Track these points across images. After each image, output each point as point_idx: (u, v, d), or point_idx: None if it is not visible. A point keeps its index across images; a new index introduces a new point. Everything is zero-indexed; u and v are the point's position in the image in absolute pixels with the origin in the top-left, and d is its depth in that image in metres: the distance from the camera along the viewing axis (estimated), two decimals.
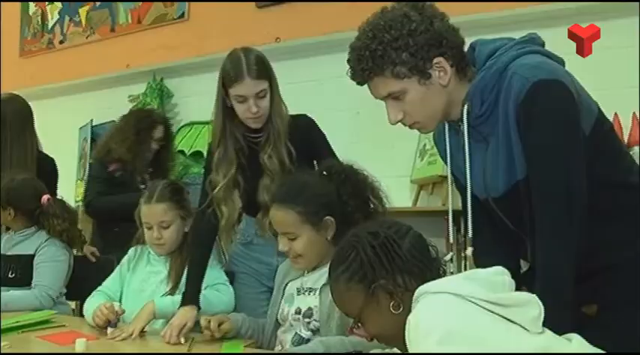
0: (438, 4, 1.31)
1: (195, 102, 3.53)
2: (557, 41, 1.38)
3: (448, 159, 1.45)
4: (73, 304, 2.61)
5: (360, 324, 1.19)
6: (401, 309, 1.12)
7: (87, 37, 4.15)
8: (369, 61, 1.27)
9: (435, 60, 1.26)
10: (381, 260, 1.13)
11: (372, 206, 1.65)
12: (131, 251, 2.17)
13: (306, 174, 1.69)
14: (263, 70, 1.84)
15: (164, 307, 1.84)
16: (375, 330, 1.19)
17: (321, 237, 1.59)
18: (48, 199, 2.41)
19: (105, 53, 3.97)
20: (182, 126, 3.43)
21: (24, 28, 4.56)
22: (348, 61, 1.32)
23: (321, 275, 1.63)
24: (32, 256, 2.30)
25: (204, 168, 2.02)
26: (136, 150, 2.75)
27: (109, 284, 2.10)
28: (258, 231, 1.97)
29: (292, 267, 1.69)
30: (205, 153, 3.15)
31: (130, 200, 2.23)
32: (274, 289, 1.78)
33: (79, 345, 1.57)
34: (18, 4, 4.59)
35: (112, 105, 3.80)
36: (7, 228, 2.51)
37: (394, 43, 1.25)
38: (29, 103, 2.88)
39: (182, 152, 3.33)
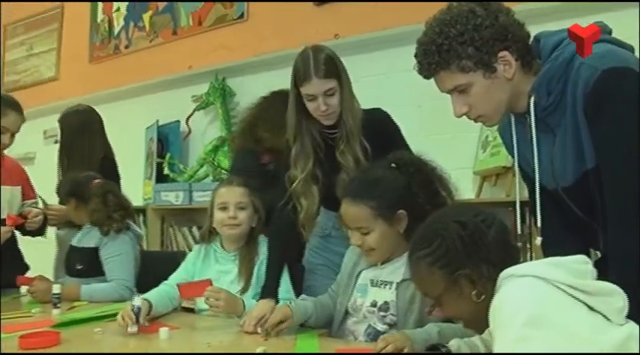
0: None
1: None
2: None
3: (515, 151, 1.46)
4: None
5: (438, 306, 1.22)
6: (482, 297, 1.14)
7: (151, 41, 4.27)
8: (435, 56, 1.31)
9: (500, 54, 1.29)
10: (467, 250, 1.15)
11: (441, 197, 1.68)
12: (196, 248, 2.23)
13: (377, 169, 1.71)
14: (331, 69, 1.87)
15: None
16: (454, 314, 1.22)
17: (394, 231, 1.63)
18: (94, 184, 2.49)
19: (168, 56, 4.08)
20: None
21: (92, 35, 4.74)
22: (415, 55, 1.36)
23: (397, 268, 1.66)
24: (95, 249, 2.41)
25: (282, 166, 2.08)
26: None
27: (175, 279, 2.14)
28: (336, 225, 2.00)
29: (364, 259, 1.72)
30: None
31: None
32: (344, 276, 1.80)
33: (163, 334, 1.66)
34: (87, 14, 4.77)
35: (176, 106, 3.93)
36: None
37: (460, 38, 1.28)
38: (96, 109, 3.05)
39: None
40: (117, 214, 2.43)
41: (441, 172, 1.71)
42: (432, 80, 1.39)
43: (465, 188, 2.85)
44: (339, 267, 1.95)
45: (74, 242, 2.51)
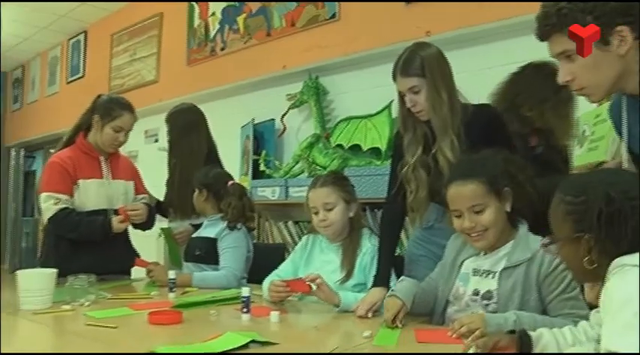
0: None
1: (350, 98, 3.66)
2: None
3: (625, 132, 1.43)
4: None
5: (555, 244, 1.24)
6: (593, 266, 1.15)
7: (245, 43, 4.42)
8: (553, 18, 1.32)
9: (618, 28, 1.27)
10: (602, 224, 1.13)
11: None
12: (304, 239, 2.35)
13: (475, 154, 1.74)
14: (414, 68, 1.92)
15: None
16: (562, 260, 1.25)
17: (503, 209, 1.65)
18: (232, 183, 2.73)
19: (262, 56, 4.22)
20: (339, 122, 3.55)
21: (190, 39, 4.97)
22: (537, 17, 1.37)
23: (499, 258, 1.68)
24: (214, 240, 2.59)
25: (392, 155, 2.16)
26: (560, 115, 2.19)
27: (283, 269, 2.29)
28: (439, 217, 2.04)
29: (473, 246, 1.73)
30: (363, 147, 3.35)
31: None
32: (446, 265, 1.83)
33: (274, 317, 1.76)
34: (184, 20, 5.00)
35: (271, 105, 4.04)
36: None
37: (581, 4, 1.28)
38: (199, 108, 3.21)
39: (340, 145, 3.47)
40: (249, 213, 2.69)
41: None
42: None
43: None
44: (441, 259, 1.99)
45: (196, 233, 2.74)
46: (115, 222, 2.54)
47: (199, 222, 2.84)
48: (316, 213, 2.17)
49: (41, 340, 1.66)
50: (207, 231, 2.66)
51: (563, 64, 1.36)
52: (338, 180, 2.23)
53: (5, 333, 1.65)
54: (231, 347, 1.37)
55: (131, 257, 2.72)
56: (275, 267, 2.32)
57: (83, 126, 2.67)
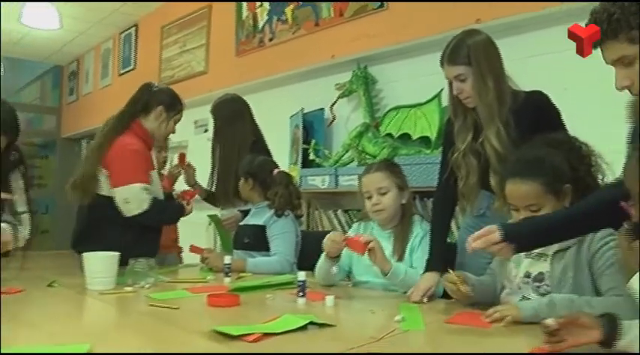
0: None
1: (399, 87, 3.65)
2: None
3: None
4: None
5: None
6: None
7: (293, 33, 4.44)
8: (604, 24, 1.30)
9: None
10: None
11: (598, 173, 1.68)
12: (354, 226, 2.38)
13: (535, 148, 1.72)
14: (459, 56, 1.93)
15: None
16: (636, 219, 1.19)
17: (560, 206, 1.63)
18: (277, 172, 2.78)
19: (311, 46, 4.24)
20: (389, 111, 3.55)
21: (238, 30, 5.03)
22: (587, 24, 1.35)
23: None
24: (262, 227, 2.64)
25: (443, 142, 2.17)
26: None
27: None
28: (490, 204, 2.04)
29: None
30: (412, 135, 3.34)
31: None
32: None
33: (329, 301, 1.79)
34: (232, 11, 5.07)
35: (320, 94, 4.06)
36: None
37: (633, 7, 1.26)
38: (244, 98, 3.26)
39: (390, 134, 3.48)
40: (297, 201, 2.75)
41: (592, 149, 1.71)
42: (577, 63, 1.37)
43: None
44: None
45: (245, 220, 2.80)
46: (187, 207, 2.63)
47: (247, 208, 2.90)
48: (369, 198, 2.20)
49: (109, 317, 1.76)
50: (255, 219, 2.72)
51: (620, 69, 1.33)
52: (391, 167, 2.26)
53: (77, 309, 1.75)
54: (290, 328, 1.41)
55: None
56: None
57: (138, 114, 2.72)
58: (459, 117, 2.03)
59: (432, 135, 3.27)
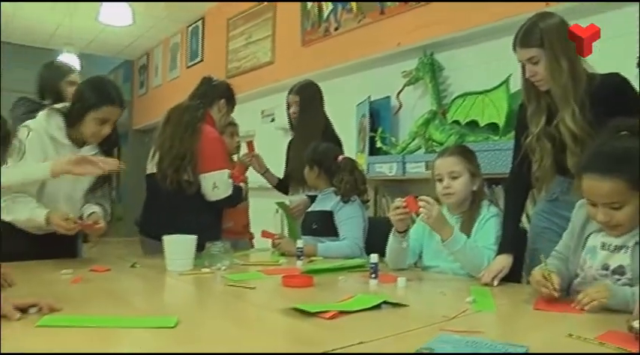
0: None
1: (466, 74, 3.62)
2: None
3: None
4: None
5: None
6: None
7: (359, 22, 4.46)
8: None
9: None
10: None
11: None
12: None
13: (618, 140, 1.60)
14: (532, 38, 1.91)
15: None
16: None
17: None
18: (342, 158, 2.80)
19: (376, 35, 4.24)
20: (456, 98, 3.53)
21: (303, 21, 5.09)
22: None
23: (633, 235, 1.60)
24: (330, 212, 2.69)
25: (515, 128, 2.16)
26: None
27: (411, 237, 2.26)
28: (564, 189, 2.01)
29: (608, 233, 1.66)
30: (480, 122, 3.32)
31: None
32: (574, 235, 1.78)
33: (401, 282, 1.83)
34: (297, 2, 5.12)
35: (387, 82, 4.08)
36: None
37: None
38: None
39: (457, 122, 3.46)
40: (363, 187, 2.77)
41: None
42: None
43: None
44: (564, 231, 1.96)
45: (312, 207, 2.86)
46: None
47: (315, 193, 2.96)
48: (440, 181, 2.21)
49: (190, 295, 1.84)
50: (322, 205, 2.77)
51: None
52: (466, 152, 2.26)
53: (159, 288, 1.85)
54: (364, 307, 1.45)
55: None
56: None
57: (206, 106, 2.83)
58: (532, 100, 2.01)
59: (500, 121, 3.23)
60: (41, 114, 2.31)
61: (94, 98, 2.27)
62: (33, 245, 2.25)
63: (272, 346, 1.19)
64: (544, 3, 3.06)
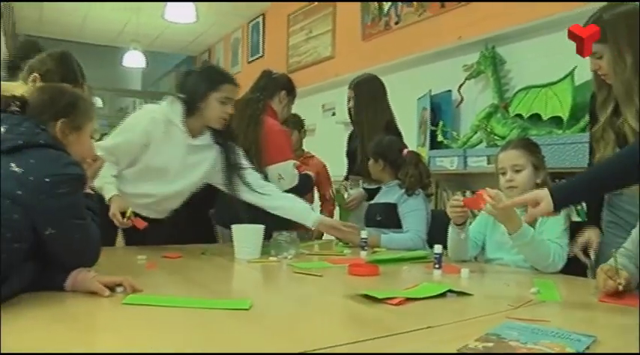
0: None
1: (528, 67, 3.58)
2: None
3: None
4: None
5: None
6: None
7: (419, 16, 4.47)
8: None
9: None
10: None
11: None
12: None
13: None
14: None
15: None
16: None
17: None
18: (407, 152, 2.84)
19: (437, 28, 4.25)
20: (518, 91, 3.49)
21: (364, 15, 5.12)
22: None
23: None
24: (394, 205, 2.73)
25: (589, 120, 2.15)
26: None
27: (474, 229, 2.33)
28: None
29: None
30: (543, 116, 3.28)
31: None
32: None
33: (464, 274, 1.86)
34: None
35: (448, 76, 4.08)
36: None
37: None
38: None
39: (519, 115, 3.43)
40: (427, 180, 2.80)
41: None
42: None
43: None
44: (629, 226, 1.94)
45: (375, 199, 2.90)
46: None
47: (373, 187, 3.00)
48: (503, 174, 2.22)
49: (260, 281, 1.94)
50: (386, 197, 2.81)
51: None
52: (530, 145, 2.26)
53: (230, 274, 1.94)
54: (430, 295, 1.49)
55: None
56: None
57: (267, 98, 2.91)
58: (601, 89, 1.97)
59: (565, 115, 3.19)
60: (165, 101, 2.44)
61: (212, 78, 2.39)
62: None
63: (340, 328, 1.25)
64: None
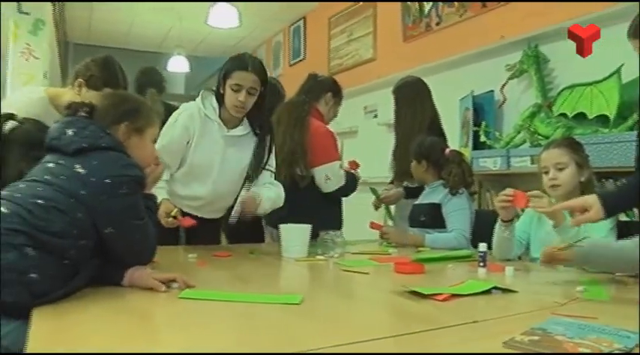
0: None
1: (573, 65, 3.52)
2: None
3: None
4: None
5: None
6: None
7: (460, 16, 4.46)
8: None
9: None
10: None
11: None
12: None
13: None
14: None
15: None
16: None
17: None
18: (450, 151, 2.86)
19: (479, 28, 4.23)
20: (562, 90, 3.46)
21: (404, 17, 5.14)
22: None
23: None
24: (438, 205, 2.76)
25: (638, 119, 2.12)
26: None
27: (518, 228, 2.33)
28: None
29: None
30: (588, 115, 3.25)
31: None
32: None
33: (509, 272, 1.87)
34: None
35: (490, 76, 4.06)
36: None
37: None
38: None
39: (564, 114, 3.40)
40: (470, 179, 2.83)
41: None
42: None
43: None
44: None
45: (419, 200, 2.93)
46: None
47: (414, 185, 3.02)
48: (546, 173, 2.22)
49: (308, 278, 2.00)
50: (430, 197, 2.84)
51: None
52: (573, 144, 2.26)
53: (278, 271, 2.01)
54: (475, 291, 1.52)
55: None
56: None
57: (313, 101, 2.96)
58: None
59: (611, 113, 3.15)
60: (199, 96, 2.50)
61: (226, 66, 2.40)
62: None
63: (388, 321, 1.29)
64: None
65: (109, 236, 1.49)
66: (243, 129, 2.50)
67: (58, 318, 1.20)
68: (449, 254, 2.26)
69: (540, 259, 1.84)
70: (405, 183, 3.21)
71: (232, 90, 2.36)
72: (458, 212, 2.70)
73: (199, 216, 2.45)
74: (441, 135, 3.20)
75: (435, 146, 2.90)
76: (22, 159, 1.73)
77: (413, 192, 3.08)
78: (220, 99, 2.43)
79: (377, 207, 3.29)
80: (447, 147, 2.94)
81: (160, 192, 2.34)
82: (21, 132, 1.81)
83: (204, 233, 2.46)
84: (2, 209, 1.36)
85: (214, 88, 2.47)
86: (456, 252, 2.30)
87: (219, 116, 2.45)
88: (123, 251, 1.55)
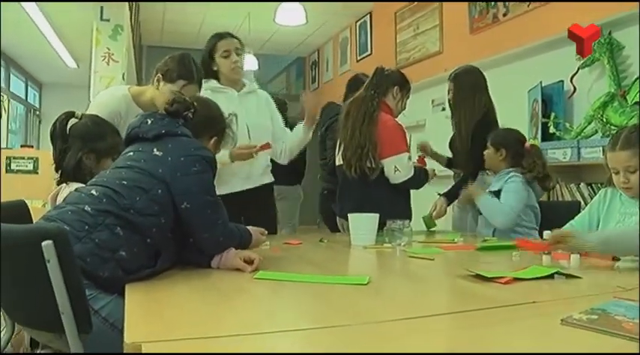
0: None
1: None
2: None
3: None
4: None
5: None
6: None
7: (528, 6, 4.41)
8: None
9: None
10: None
11: None
12: (601, 192, 2.34)
13: None
14: None
15: None
16: None
17: None
18: (531, 145, 2.90)
19: (547, 17, 4.18)
20: (638, 78, 3.39)
21: (471, 8, 5.12)
22: None
23: None
24: (498, 191, 2.80)
25: None
26: None
27: (579, 220, 2.33)
28: None
29: None
30: None
31: None
32: None
33: (574, 260, 1.87)
34: None
35: (559, 66, 3.99)
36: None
37: None
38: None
39: (639, 103, 3.33)
40: (546, 172, 2.86)
41: None
42: None
43: None
44: None
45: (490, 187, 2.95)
46: (431, 172, 3.07)
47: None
48: (617, 173, 2.16)
49: (376, 264, 2.08)
50: (495, 185, 2.88)
51: None
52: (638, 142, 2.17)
53: (347, 258, 2.09)
54: (539, 276, 1.56)
55: None
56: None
57: (381, 95, 3.02)
58: None
59: None
60: (202, 90, 2.71)
61: (208, 46, 2.89)
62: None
63: (449, 300, 1.36)
64: None
65: (185, 211, 1.64)
66: (249, 86, 2.96)
67: (149, 294, 1.34)
68: (512, 243, 2.28)
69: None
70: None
71: (223, 57, 2.83)
72: (512, 192, 2.75)
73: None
74: (496, 125, 3.19)
75: (518, 138, 2.94)
76: (80, 150, 2.07)
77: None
78: (217, 75, 2.85)
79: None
80: (526, 140, 2.97)
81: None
82: (79, 127, 2.14)
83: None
84: (93, 191, 1.57)
85: (204, 80, 2.69)
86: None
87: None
88: (197, 228, 1.68)
